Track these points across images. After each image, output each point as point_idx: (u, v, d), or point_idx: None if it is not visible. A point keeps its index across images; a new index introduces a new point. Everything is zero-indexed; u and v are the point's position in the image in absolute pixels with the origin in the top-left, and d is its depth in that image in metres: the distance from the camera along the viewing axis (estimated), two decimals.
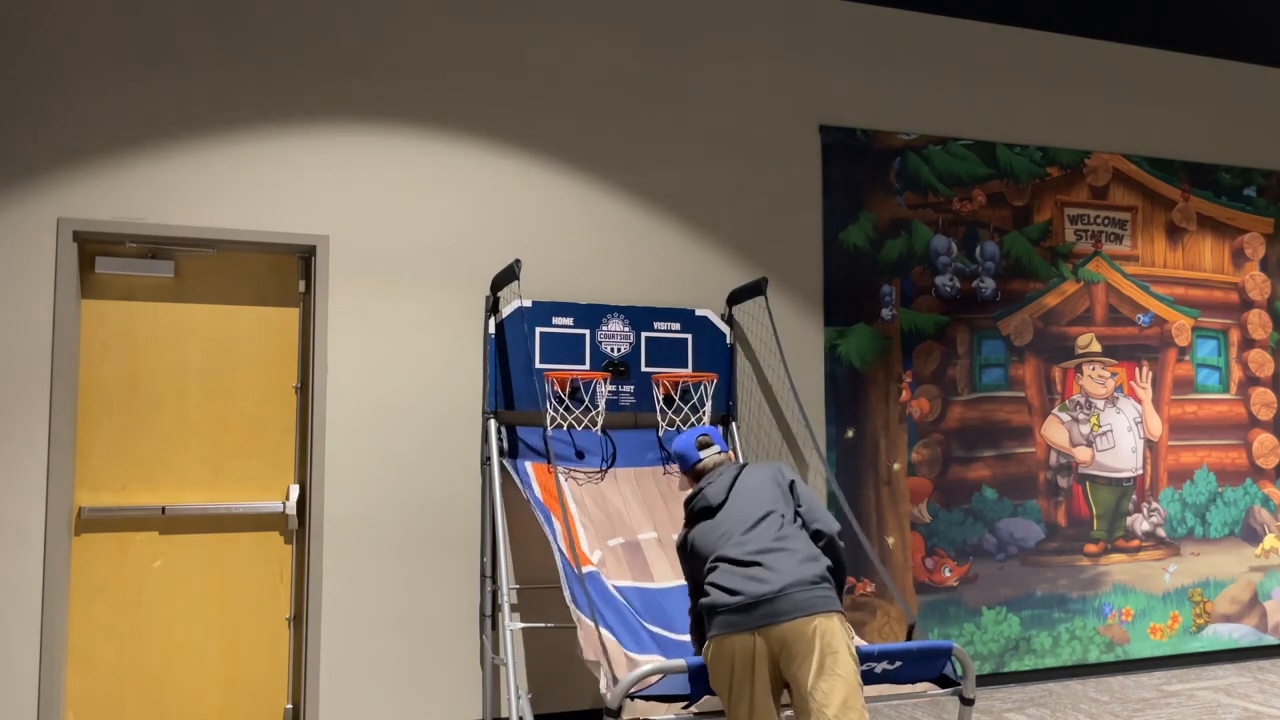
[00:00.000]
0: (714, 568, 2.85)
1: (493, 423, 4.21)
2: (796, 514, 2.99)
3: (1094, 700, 4.87)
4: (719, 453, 3.26)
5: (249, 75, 4.28)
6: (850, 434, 5.01)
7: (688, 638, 3.65)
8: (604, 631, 3.39)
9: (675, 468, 4.44)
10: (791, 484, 3.06)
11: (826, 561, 2.84)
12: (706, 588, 2.83)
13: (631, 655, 3.36)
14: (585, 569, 3.71)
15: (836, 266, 5.05)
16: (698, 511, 3.05)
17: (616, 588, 3.76)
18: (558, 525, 3.82)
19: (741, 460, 3.27)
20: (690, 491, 3.17)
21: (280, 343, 4.34)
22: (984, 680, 5.12)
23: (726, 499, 3.01)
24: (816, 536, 2.95)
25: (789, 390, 4.91)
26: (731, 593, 2.74)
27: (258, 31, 4.30)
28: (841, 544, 2.98)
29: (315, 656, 4.17)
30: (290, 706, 4.25)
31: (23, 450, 3.91)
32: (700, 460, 3.25)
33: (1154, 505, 5.57)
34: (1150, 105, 5.78)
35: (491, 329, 4.35)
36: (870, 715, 4.59)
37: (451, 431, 4.41)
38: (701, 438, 3.27)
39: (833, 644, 2.66)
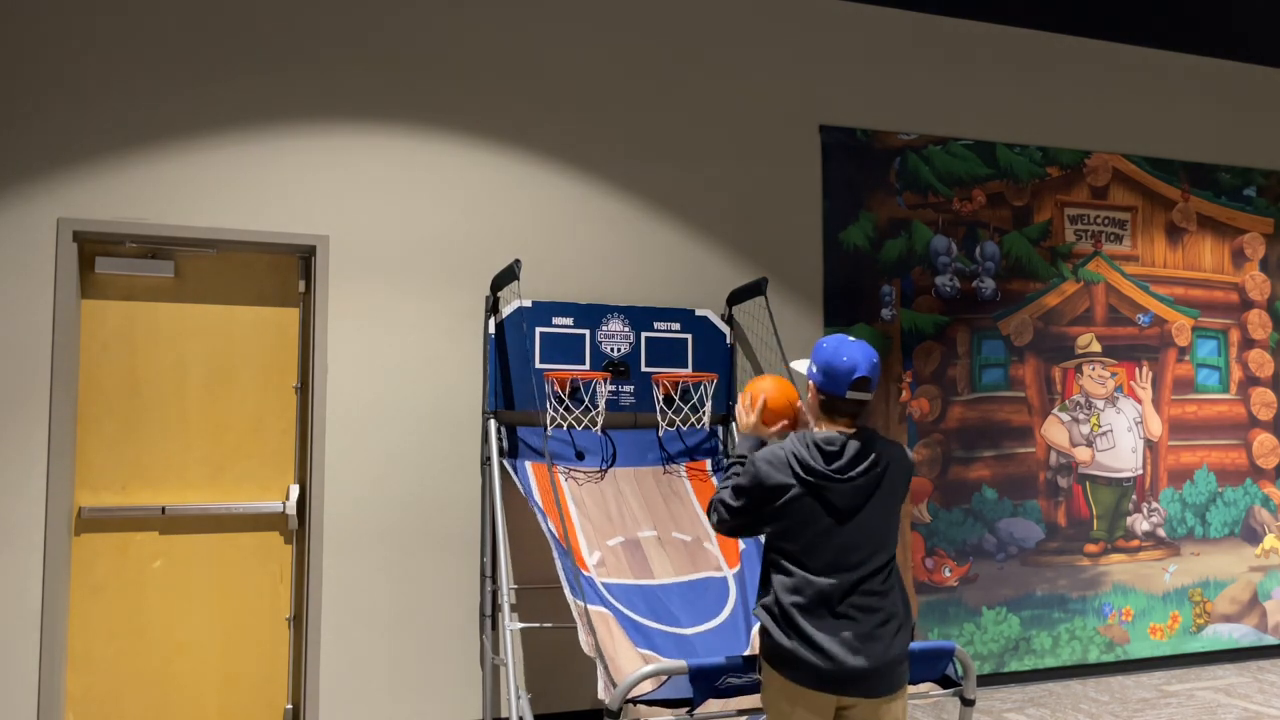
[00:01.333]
0: (802, 597, 2.49)
1: (493, 423, 4.21)
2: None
3: (1094, 700, 4.87)
4: (868, 399, 2.61)
5: (249, 75, 4.27)
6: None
7: (687, 631, 3.64)
8: (613, 626, 3.38)
9: (675, 468, 4.44)
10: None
11: (910, 625, 2.59)
12: (790, 628, 2.49)
13: (641, 651, 3.35)
14: (581, 574, 3.70)
15: (836, 266, 5.05)
16: (816, 491, 2.52)
17: (615, 586, 3.75)
18: (555, 527, 3.81)
19: (874, 432, 2.63)
20: (819, 435, 2.55)
21: (280, 343, 4.34)
22: (984, 680, 5.12)
23: (859, 510, 2.52)
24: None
25: None
26: (825, 656, 2.45)
27: (257, 32, 4.30)
28: None
29: (315, 656, 4.17)
30: (290, 706, 4.25)
31: (23, 450, 3.91)
32: (844, 399, 2.56)
33: (1154, 505, 5.57)
34: (1150, 105, 5.78)
35: (491, 329, 4.35)
36: None
37: (451, 431, 4.41)
38: (860, 380, 2.56)
39: None
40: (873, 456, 2.54)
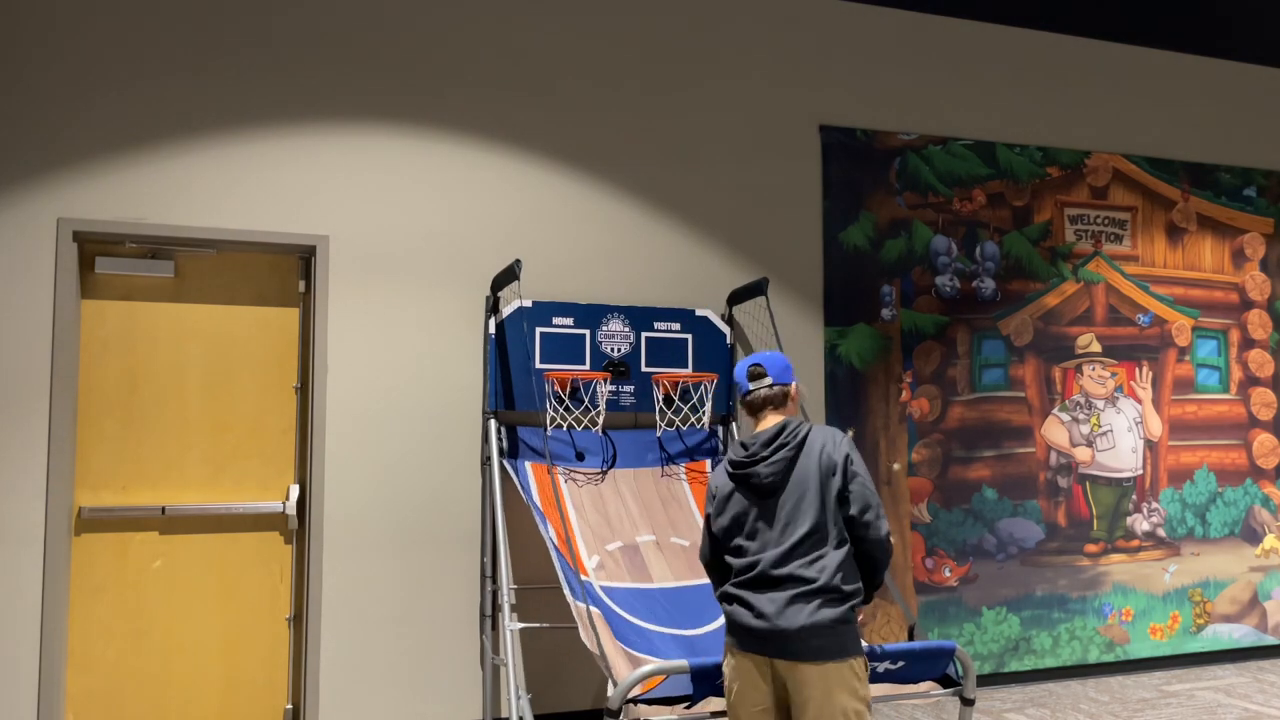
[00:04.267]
0: (744, 575, 2.66)
1: (493, 423, 4.21)
2: (845, 519, 2.69)
3: (1094, 700, 4.87)
4: (770, 386, 2.81)
5: (249, 75, 4.27)
6: (850, 434, 5.01)
7: (690, 632, 3.64)
8: (605, 628, 3.39)
9: (675, 469, 4.44)
10: (846, 479, 2.69)
11: (854, 600, 2.63)
12: (731, 597, 2.68)
13: (634, 654, 3.36)
14: (580, 579, 3.71)
15: (836, 266, 5.05)
16: (741, 480, 2.74)
17: (613, 589, 3.75)
18: (554, 531, 3.82)
19: (800, 420, 2.77)
20: (739, 441, 2.82)
21: (280, 343, 4.34)
22: (984, 680, 5.12)
23: (779, 489, 2.69)
24: (859, 541, 2.70)
25: None
26: (756, 614, 2.60)
27: (257, 32, 4.30)
28: (889, 551, 2.68)
29: (315, 656, 4.17)
30: (290, 706, 4.25)
31: (23, 450, 3.91)
32: (750, 392, 2.83)
33: (1154, 505, 5.57)
34: (1150, 105, 5.78)
35: (492, 329, 4.35)
36: (870, 715, 4.59)
37: (451, 431, 4.41)
38: (754, 367, 2.84)
39: (835, 699, 2.57)
40: (785, 434, 2.73)
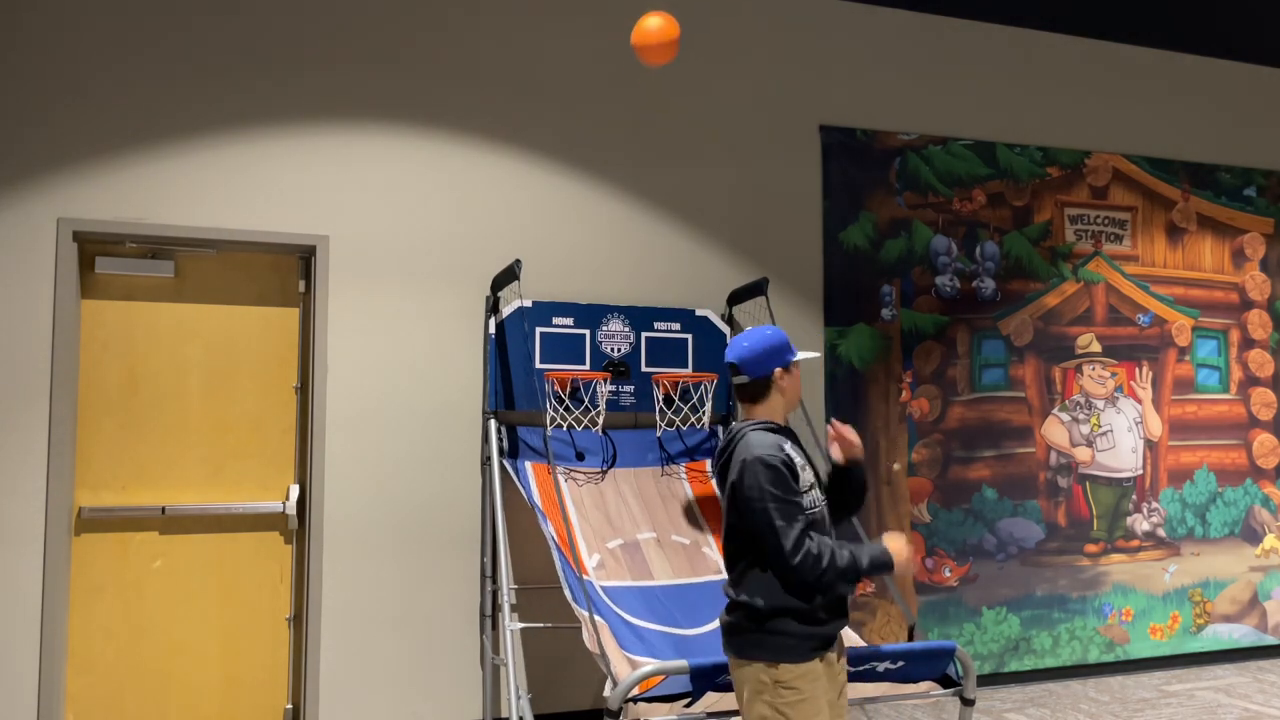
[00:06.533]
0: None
1: (493, 423, 4.21)
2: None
3: (1094, 700, 4.87)
4: (741, 382, 2.63)
5: (249, 75, 4.27)
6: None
7: (690, 632, 3.63)
8: (606, 631, 3.39)
9: (675, 468, 4.43)
10: (738, 510, 2.53)
11: (749, 609, 2.47)
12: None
13: (632, 657, 3.36)
14: (581, 579, 3.71)
15: (836, 266, 5.05)
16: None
17: (614, 589, 3.75)
18: (554, 529, 3.82)
19: (744, 426, 2.61)
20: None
21: (280, 343, 4.34)
22: (984, 680, 5.12)
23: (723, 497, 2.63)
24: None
25: None
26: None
27: (257, 32, 4.30)
28: (801, 577, 2.42)
29: (315, 656, 4.17)
30: (290, 706, 4.25)
31: (23, 450, 3.91)
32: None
33: (1154, 505, 5.57)
34: (1150, 105, 5.78)
35: (492, 329, 4.35)
36: (870, 714, 4.59)
37: (452, 431, 4.41)
38: (729, 365, 2.66)
39: (749, 705, 2.50)
40: (727, 442, 2.58)
